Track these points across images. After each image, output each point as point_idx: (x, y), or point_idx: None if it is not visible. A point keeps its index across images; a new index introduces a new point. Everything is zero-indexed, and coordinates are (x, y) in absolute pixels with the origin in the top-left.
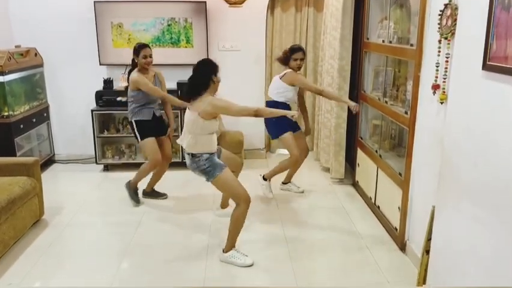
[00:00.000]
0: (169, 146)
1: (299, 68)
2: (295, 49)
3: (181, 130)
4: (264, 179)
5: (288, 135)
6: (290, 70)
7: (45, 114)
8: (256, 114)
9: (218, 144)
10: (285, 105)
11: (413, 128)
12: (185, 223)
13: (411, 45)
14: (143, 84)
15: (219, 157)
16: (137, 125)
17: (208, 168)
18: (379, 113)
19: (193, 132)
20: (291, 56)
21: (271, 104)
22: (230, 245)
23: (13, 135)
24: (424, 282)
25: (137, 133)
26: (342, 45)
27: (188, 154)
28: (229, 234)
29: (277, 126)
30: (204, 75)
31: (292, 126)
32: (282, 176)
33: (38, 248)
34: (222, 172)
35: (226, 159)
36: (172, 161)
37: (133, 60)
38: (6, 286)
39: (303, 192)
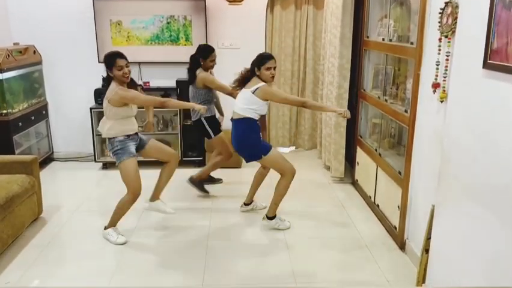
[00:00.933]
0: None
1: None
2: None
3: None
4: (270, 218)
5: (272, 153)
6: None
7: (44, 112)
8: (163, 105)
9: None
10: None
11: (412, 127)
12: (185, 222)
13: (412, 43)
14: (211, 81)
15: (143, 146)
16: (208, 121)
17: (118, 151)
18: (379, 112)
19: (109, 118)
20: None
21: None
22: (111, 223)
23: (11, 133)
24: (424, 281)
25: (209, 129)
26: (342, 43)
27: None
28: (112, 215)
29: (255, 148)
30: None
31: (267, 145)
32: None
33: (37, 246)
34: (127, 159)
35: (157, 151)
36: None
37: (194, 58)
38: (4, 284)
39: (265, 207)
